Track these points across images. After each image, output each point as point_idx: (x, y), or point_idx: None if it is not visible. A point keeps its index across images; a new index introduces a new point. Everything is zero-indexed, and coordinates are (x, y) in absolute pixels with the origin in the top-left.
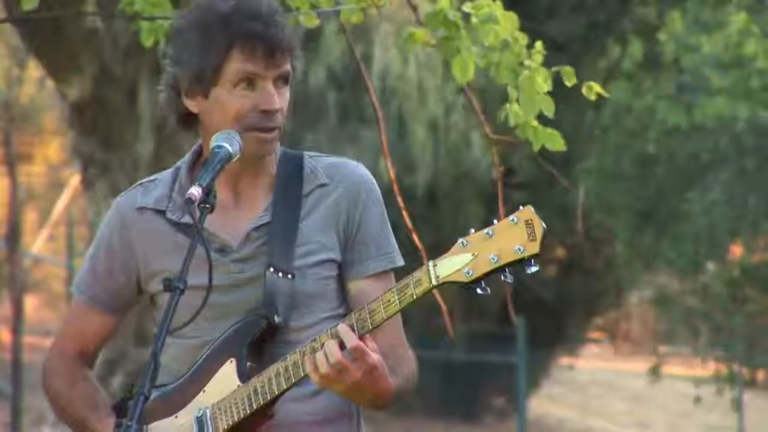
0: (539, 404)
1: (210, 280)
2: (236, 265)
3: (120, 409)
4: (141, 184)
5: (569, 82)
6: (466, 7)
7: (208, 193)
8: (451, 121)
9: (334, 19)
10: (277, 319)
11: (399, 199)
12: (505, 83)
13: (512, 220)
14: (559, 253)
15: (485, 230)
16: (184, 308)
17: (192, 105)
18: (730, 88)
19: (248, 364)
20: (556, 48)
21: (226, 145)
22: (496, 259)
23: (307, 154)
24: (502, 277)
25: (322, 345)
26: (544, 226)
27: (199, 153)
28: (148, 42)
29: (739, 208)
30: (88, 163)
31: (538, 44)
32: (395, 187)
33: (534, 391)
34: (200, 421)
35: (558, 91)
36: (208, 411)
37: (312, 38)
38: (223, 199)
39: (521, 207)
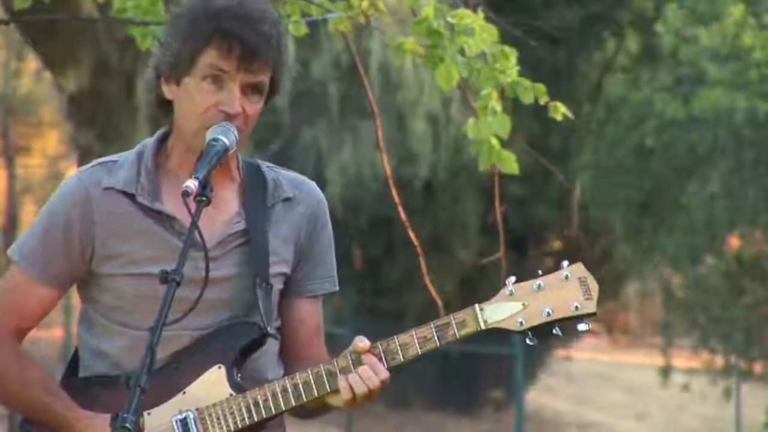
0: (537, 396)
1: (207, 272)
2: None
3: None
4: (101, 163)
5: (542, 100)
6: (450, 17)
7: (205, 186)
8: (449, 114)
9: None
10: (270, 329)
11: (395, 195)
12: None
13: (565, 276)
14: (557, 246)
15: (534, 282)
16: (142, 297)
17: (167, 90)
18: (728, 80)
19: (235, 370)
20: (552, 41)
21: (223, 137)
22: (550, 312)
23: (262, 164)
24: (553, 331)
25: (341, 370)
26: (597, 286)
27: (162, 138)
28: (144, 45)
29: (737, 200)
30: (86, 154)
31: (512, 58)
32: (391, 183)
33: (531, 383)
34: (184, 424)
35: (553, 84)
36: (191, 414)
37: (313, 30)
38: None
39: (565, 263)
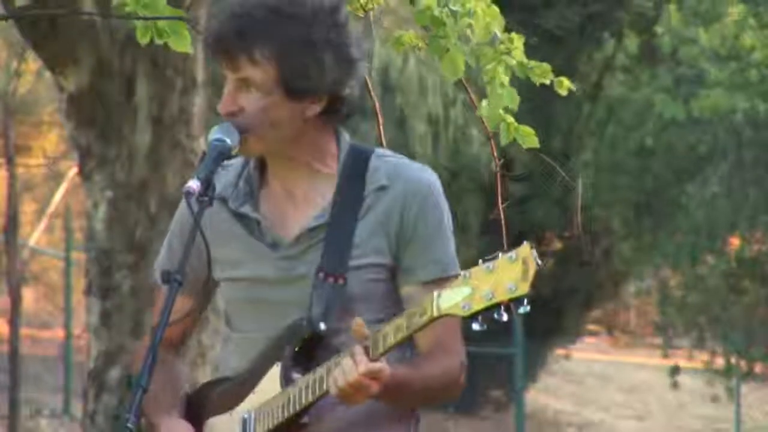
0: (537, 396)
1: (210, 275)
2: (284, 262)
3: (191, 399)
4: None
5: (546, 79)
6: (452, 5)
7: (207, 186)
8: (450, 116)
9: None
10: (322, 325)
11: None
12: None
13: (511, 256)
14: (557, 246)
15: (487, 264)
16: (239, 301)
17: None
18: (728, 81)
19: (293, 368)
20: (552, 40)
21: (224, 137)
22: (490, 295)
23: (376, 152)
24: (495, 315)
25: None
26: (540, 263)
27: None
28: (144, 40)
29: (737, 200)
30: (86, 154)
31: (519, 43)
32: None
33: (531, 384)
34: (245, 423)
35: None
36: (252, 414)
37: None
38: (276, 195)
39: (524, 242)
